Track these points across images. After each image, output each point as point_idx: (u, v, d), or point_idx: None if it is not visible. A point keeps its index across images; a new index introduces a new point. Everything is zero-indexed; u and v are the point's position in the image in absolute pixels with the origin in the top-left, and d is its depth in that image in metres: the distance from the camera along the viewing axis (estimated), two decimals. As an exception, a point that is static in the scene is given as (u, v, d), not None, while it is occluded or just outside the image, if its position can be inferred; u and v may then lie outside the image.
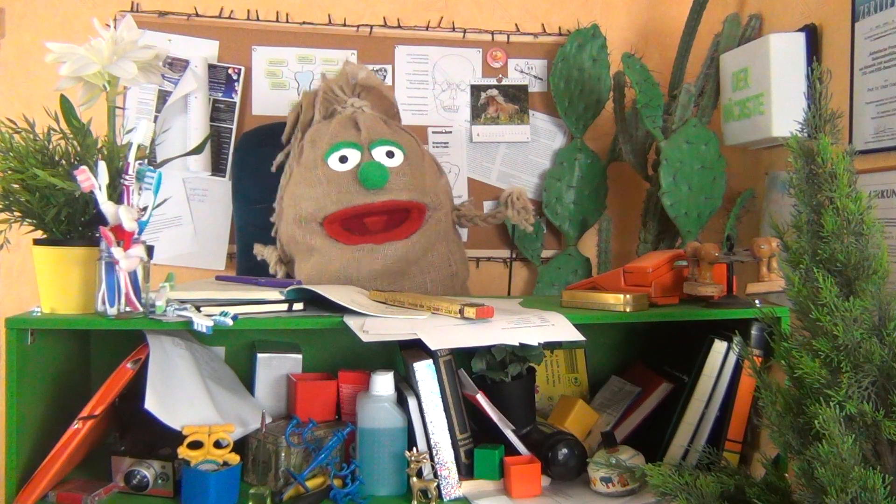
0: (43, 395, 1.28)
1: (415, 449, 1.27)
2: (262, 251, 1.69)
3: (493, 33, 2.05)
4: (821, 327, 0.97)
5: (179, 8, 1.94)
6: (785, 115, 1.60)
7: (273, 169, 1.68)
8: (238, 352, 1.50)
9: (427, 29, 2.03)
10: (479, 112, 2.05)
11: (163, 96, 1.93)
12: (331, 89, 1.66)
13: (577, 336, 1.26)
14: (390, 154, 1.54)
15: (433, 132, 2.03)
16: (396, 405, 1.30)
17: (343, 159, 1.52)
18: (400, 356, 1.46)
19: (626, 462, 1.27)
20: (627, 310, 1.32)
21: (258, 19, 1.98)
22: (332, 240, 1.52)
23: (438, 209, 1.60)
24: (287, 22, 1.99)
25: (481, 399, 1.31)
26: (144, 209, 1.24)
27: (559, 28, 2.07)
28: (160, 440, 1.27)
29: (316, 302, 1.36)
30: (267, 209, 1.88)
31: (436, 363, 1.29)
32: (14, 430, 1.20)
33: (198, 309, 1.24)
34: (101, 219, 1.22)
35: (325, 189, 1.52)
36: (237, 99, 1.98)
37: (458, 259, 1.67)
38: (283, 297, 1.33)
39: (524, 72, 2.07)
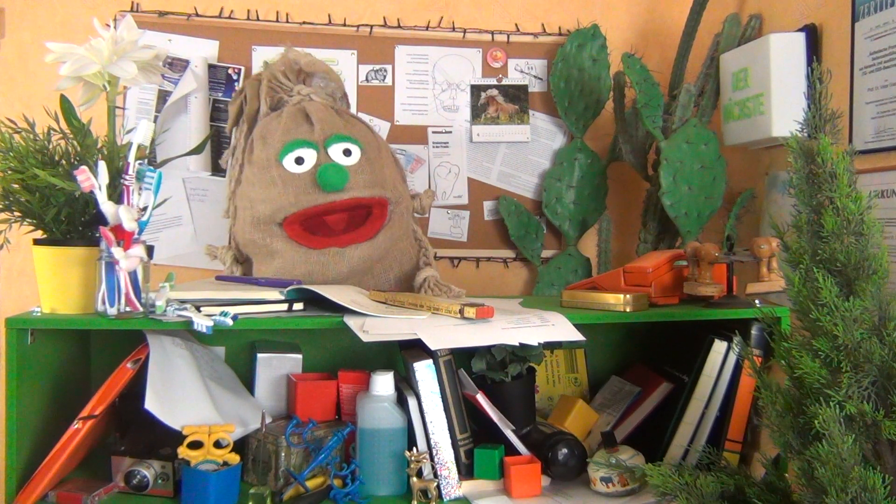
0: (43, 395, 1.28)
1: (415, 449, 1.27)
2: (214, 251, 1.62)
3: (493, 33, 2.05)
4: (821, 327, 0.97)
5: (179, 8, 1.94)
6: (785, 115, 1.60)
7: (223, 165, 1.60)
8: (238, 352, 1.50)
9: (427, 29, 2.03)
10: (479, 112, 2.05)
11: (163, 96, 1.93)
12: (275, 77, 1.58)
13: (577, 336, 1.26)
14: (347, 152, 1.48)
15: (433, 132, 2.03)
16: (396, 405, 1.30)
17: (299, 160, 1.45)
18: (400, 356, 1.46)
19: (626, 462, 1.27)
20: (627, 310, 1.32)
21: (258, 19, 1.98)
22: (294, 242, 1.45)
23: (400, 202, 1.54)
24: (287, 22, 1.99)
25: (481, 399, 1.31)
26: (144, 209, 1.24)
27: (559, 28, 2.06)
28: (160, 440, 1.27)
29: (316, 302, 1.35)
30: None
31: (436, 363, 1.29)
32: (14, 430, 1.20)
33: (198, 309, 1.24)
34: (101, 219, 1.22)
35: (282, 190, 1.44)
36: (237, 99, 1.98)
37: (419, 250, 1.62)
38: (283, 297, 1.33)
39: (524, 72, 2.07)
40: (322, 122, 1.50)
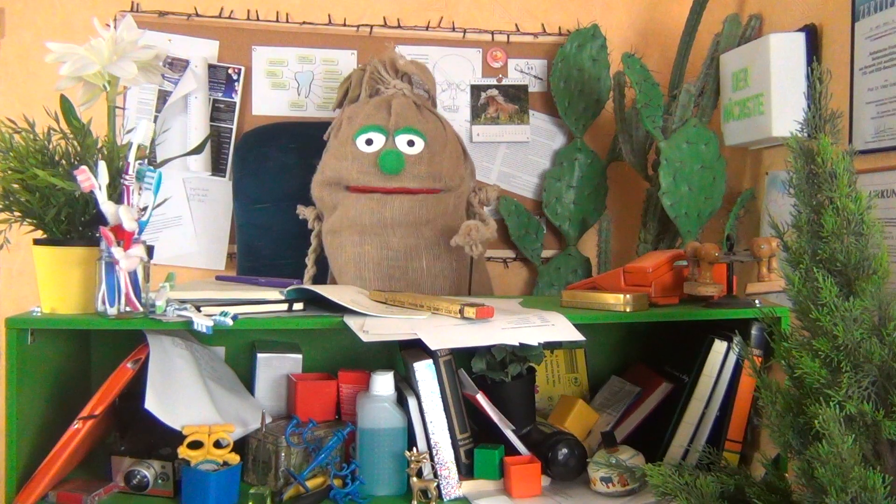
0: (43, 395, 1.28)
1: (415, 449, 1.27)
2: (303, 211, 1.83)
3: (493, 33, 2.05)
4: (821, 327, 0.97)
5: (179, 8, 1.94)
6: (785, 115, 1.60)
7: (325, 138, 1.80)
8: (238, 352, 1.50)
9: (427, 29, 2.03)
10: (479, 112, 2.05)
11: (163, 96, 1.93)
12: (377, 70, 1.78)
13: (577, 336, 1.26)
14: (411, 143, 1.66)
15: (433, 132, 2.03)
16: (396, 405, 1.30)
17: (369, 142, 1.66)
18: (400, 356, 1.46)
19: (626, 462, 1.27)
20: (627, 310, 1.32)
21: (258, 19, 1.98)
22: (349, 192, 1.68)
23: (452, 190, 1.72)
24: (287, 22, 1.99)
25: (481, 399, 1.31)
26: (144, 209, 1.24)
27: (559, 28, 2.07)
28: (160, 440, 1.27)
29: (316, 302, 1.36)
30: (267, 209, 1.88)
31: (436, 363, 1.29)
32: (14, 430, 1.20)
33: (198, 309, 1.24)
34: (101, 219, 1.22)
35: (350, 165, 1.66)
36: (237, 99, 1.98)
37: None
38: (283, 297, 1.33)
39: (524, 72, 2.07)
40: (398, 115, 1.69)
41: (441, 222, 1.69)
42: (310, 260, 1.81)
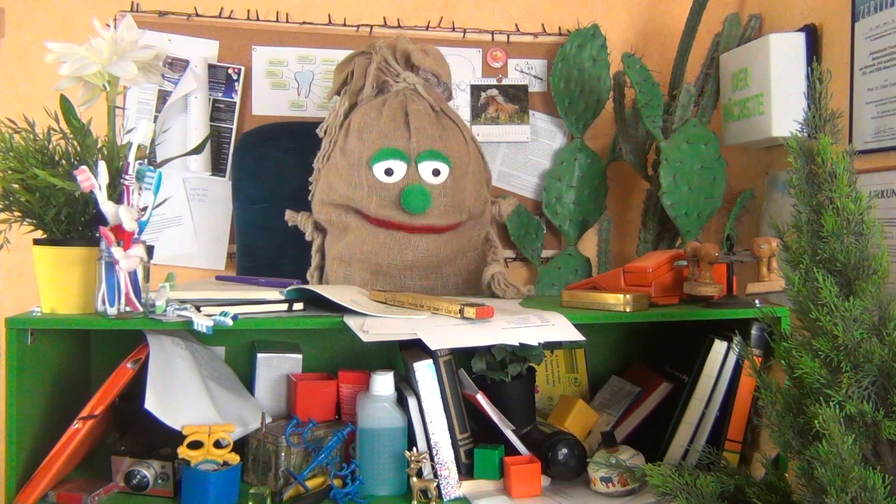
0: (43, 395, 1.29)
1: (415, 449, 1.27)
2: (293, 217, 1.67)
3: (493, 33, 2.05)
4: (821, 327, 0.97)
5: (179, 8, 1.94)
6: (785, 115, 1.60)
7: (319, 134, 1.66)
8: (238, 352, 1.50)
9: (427, 29, 2.03)
10: (479, 112, 2.05)
11: (163, 96, 1.93)
12: (385, 61, 1.63)
13: (577, 336, 1.26)
14: (436, 172, 1.52)
15: (433, 132, 2.03)
16: (396, 405, 1.30)
17: (389, 172, 1.50)
18: (400, 356, 1.46)
19: (626, 462, 1.27)
20: (627, 310, 1.32)
21: (258, 19, 1.98)
22: (366, 220, 1.53)
23: (476, 218, 1.62)
24: (287, 22, 1.99)
25: (481, 399, 1.31)
26: (144, 209, 1.24)
27: (559, 28, 2.06)
28: (160, 440, 1.28)
29: (316, 302, 1.36)
30: (267, 209, 1.88)
31: (436, 363, 1.29)
32: (14, 430, 1.20)
33: (198, 309, 1.24)
34: (101, 219, 1.22)
35: (367, 195, 1.51)
36: (237, 99, 1.98)
37: (490, 250, 1.68)
38: (283, 297, 1.33)
39: (524, 72, 2.07)
40: (418, 132, 1.52)
41: (462, 259, 1.61)
42: (313, 278, 1.66)
